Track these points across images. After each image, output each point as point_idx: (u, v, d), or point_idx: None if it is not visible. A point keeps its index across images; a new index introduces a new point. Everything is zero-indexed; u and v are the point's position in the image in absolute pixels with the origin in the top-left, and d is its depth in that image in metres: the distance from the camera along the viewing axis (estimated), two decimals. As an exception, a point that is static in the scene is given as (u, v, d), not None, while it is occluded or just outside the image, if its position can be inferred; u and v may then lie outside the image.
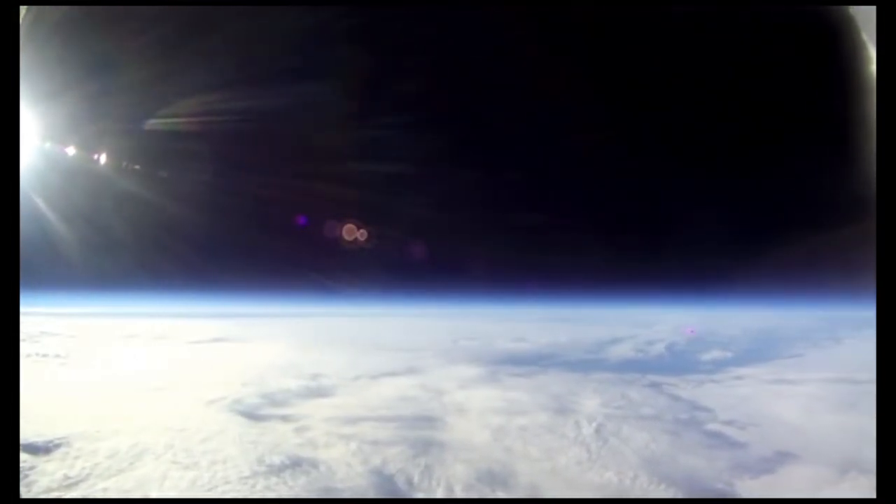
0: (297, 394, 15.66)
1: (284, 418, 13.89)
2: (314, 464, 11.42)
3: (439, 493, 10.77)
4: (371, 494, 10.52)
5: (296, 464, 11.29)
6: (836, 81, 11.63)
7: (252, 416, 13.90)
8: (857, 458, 11.30)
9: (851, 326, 20.01)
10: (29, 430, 11.20)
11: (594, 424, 13.64)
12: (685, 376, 17.42)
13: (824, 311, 20.34)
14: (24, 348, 18.59)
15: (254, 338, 22.64)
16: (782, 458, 12.05)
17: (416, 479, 11.19)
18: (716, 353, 19.87)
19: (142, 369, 17.81)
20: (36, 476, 9.91)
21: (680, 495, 10.67)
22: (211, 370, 17.61)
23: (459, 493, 10.70)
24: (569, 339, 23.26)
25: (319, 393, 15.93)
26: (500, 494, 10.67)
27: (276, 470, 10.95)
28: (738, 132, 13.46)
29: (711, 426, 13.83)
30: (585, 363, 19.81)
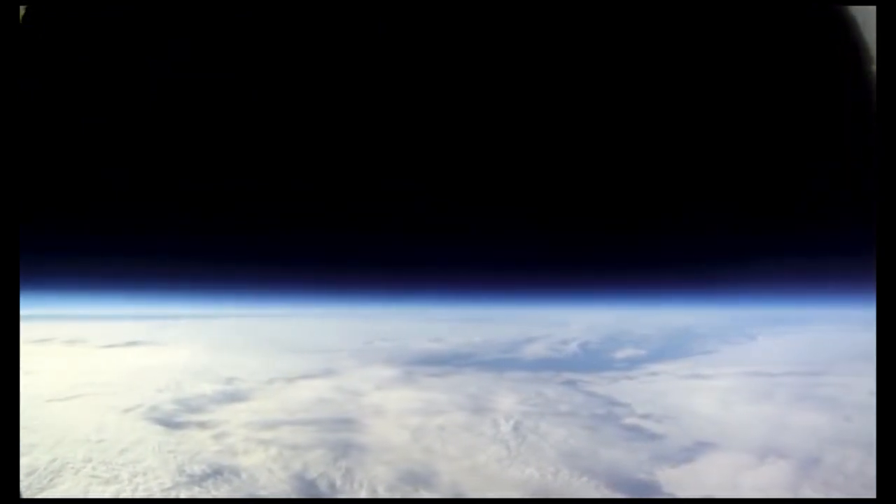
0: (212, 399, 15.32)
1: (202, 425, 13.61)
2: (235, 471, 11.29)
3: (362, 495, 10.83)
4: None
5: (217, 472, 11.15)
6: (836, 81, 12.03)
7: (169, 423, 13.56)
8: (774, 444, 11.87)
9: (764, 324, 20.64)
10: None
11: (512, 422, 13.82)
12: (600, 373, 17.65)
13: (736, 309, 20.83)
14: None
15: (167, 340, 21.95)
16: (701, 447, 12.53)
17: (338, 483, 11.22)
18: (629, 351, 20.10)
19: (55, 376, 17.20)
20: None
21: (602, 487, 11.02)
22: (126, 376, 17.08)
23: (383, 495, 10.79)
24: (483, 338, 23.20)
25: (235, 397, 15.63)
26: (424, 494, 10.81)
27: (198, 479, 10.79)
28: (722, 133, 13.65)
29: (629, 420, 14.15)
30: (500, 362, 19.83)
